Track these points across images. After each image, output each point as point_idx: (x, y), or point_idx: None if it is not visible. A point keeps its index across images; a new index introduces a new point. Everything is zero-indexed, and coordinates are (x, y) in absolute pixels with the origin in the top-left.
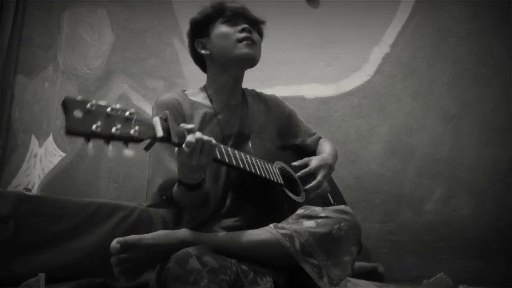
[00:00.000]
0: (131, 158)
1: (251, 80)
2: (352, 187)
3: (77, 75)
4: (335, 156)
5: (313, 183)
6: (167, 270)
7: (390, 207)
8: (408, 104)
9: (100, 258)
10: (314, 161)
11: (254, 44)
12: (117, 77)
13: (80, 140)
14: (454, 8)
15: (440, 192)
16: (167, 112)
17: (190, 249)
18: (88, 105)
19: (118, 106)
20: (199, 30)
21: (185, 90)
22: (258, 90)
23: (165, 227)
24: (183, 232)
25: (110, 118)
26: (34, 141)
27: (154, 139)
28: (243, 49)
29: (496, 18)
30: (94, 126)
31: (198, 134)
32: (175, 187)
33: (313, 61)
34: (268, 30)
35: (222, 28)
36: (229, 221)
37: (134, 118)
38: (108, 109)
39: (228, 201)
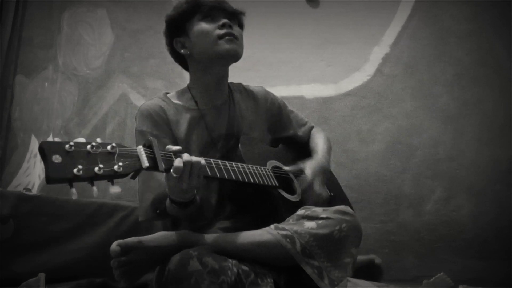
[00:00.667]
0: None
1: (251, 80)
2: (352, 187)
3: (77, 75)
4: (329, 151)
5: (312, 197)
6: (167, 271)
7: (390, 207)
8: (408, 104)
9: (100, 258)
10: (308, 170)
11: (236, 39)
12: (117, 77)
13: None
14: (454, 8)
15: (440, 192)
16: (151, 138)
17: (191, 250)
18: (67, 147)
19: (98, 141)
20: (176, 28)
21: (167, 93)
22: None
23: (165, 227)
24: (182, 233)
25: (91, 157)
26: (34, 141)
27: (140, 170)
28: (224, 45)
29: (496, 18)
30: (75, 170)
31: (185, 157)
32: (168, 204)
33: (313, 61)
34: (268, 30)
35: (200, 26)
36: (228, 223)
37: (117, 152)
38: (88, 147)
39: (225, 208)
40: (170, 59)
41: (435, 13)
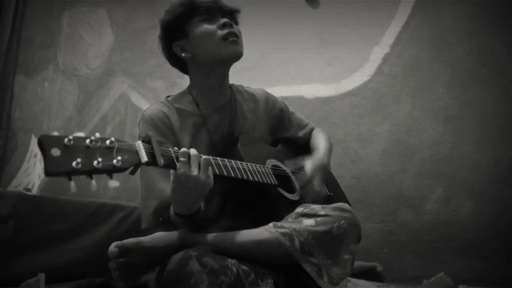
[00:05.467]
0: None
1: (251, 80)
2: (352, 187)
3: (77, 75)
4: (330, 150)
5: (311, 194)
6: (167, 272)
7: (390, 207)
8: (408, 104)
9: (100, 258)
10: (308, 166)
11: (238, 38)
12: (117, 77)
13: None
14: (454, 8)
15: (440, 192)
16: (150, 133)
17: (190, 251)
18: (66, 141)
19: (97, 135)
20: (174, 31)
21: (168, 96)
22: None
23: (164, 228)
24: (181, 234)
25: (90, 151)
26: (34, 141)
27: (139, 165)
28: (229, 47)
29: (496, 18)
30: (74, 163)
31: (193, 151)
32: (172, 215)
33: (313, 61)
34: (268, 30)
35: (201, 27)
36: (227, 222)
37: (115, 147)
38: (87, 141)
39: (226, 208)
40: None
41: (435, 13)
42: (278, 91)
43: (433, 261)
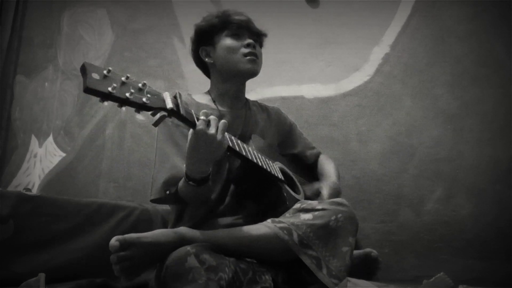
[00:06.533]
0: (131, 159)
1: (252, 80)
2: (352, 187)
3: (77, 75)
4: (339, 178)
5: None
6: (166, 268)
7: (390, 207)
8: (408, 104)
9: (100, 258)
10: (325, 191)
11: (257, 59)
12: None
13: (80, 140)
14: (454, 8)
15: (440, 192)
16: (178, 92)
17: (189, 247)
18: (105, 71)
19: (132, 77)
20: (204, 38)
21: (190, 94)
22: (257, 90)
23: (164, 227)
24: (181, 230)
25: (125, 84)
26: (34, 141)
27: (164, 110)
28: (247, 64)
29: (496, 18)
30: (110, 88)
31: (212, 116)
32: (181, 182)
33: (313, 61)
34: (268, 30)
35: (227, 41)
36: (228, 219)
37: (146, 88)
38: (123, 78)
39: (227, 198)
40: (170, 59)
41: (435, 13)
42: (278, 91)
43: (433, 261)
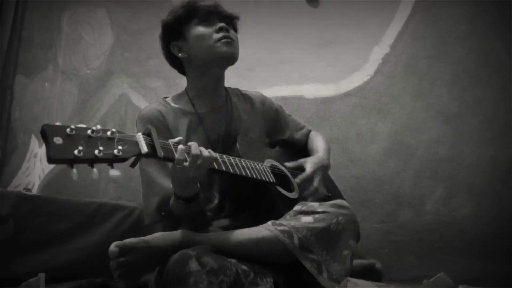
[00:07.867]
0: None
1: (252, 80)
2: (352, 187)
3: (77, 75)
4: (329, 151)
5: (310, 189)
6: (166, 272)
7: (390, 207)
8: (408, 104)
9: (100, 258)
10: (309, 164)
11: (233, 41)
12: (117, 77)
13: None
14: (454, 8)
15: (440, 192)
16: (150, 126)
17: (189, 250)
18: (68, 130)
19: (98, 127)
20: (173, 32)
21: (166, 97)
22: (257, 90)
23: (164, 228)
24: (181, 233)
25: (92, 140)
26: (34, 141)
27: (139, 156)
28: (222, 48)
29: (496, 18)
30: (76, 151)
31: (194, 149)
32: (172, 201)
33: (313, 61)
34: (268, 30)
35: (198, 30)
36: (226, 221)
37: (116, 137)
38: (89, 132)
39: (225, 206)
40: None
41: (435, 13)
42: (278, 91)
43: (433, 261)
